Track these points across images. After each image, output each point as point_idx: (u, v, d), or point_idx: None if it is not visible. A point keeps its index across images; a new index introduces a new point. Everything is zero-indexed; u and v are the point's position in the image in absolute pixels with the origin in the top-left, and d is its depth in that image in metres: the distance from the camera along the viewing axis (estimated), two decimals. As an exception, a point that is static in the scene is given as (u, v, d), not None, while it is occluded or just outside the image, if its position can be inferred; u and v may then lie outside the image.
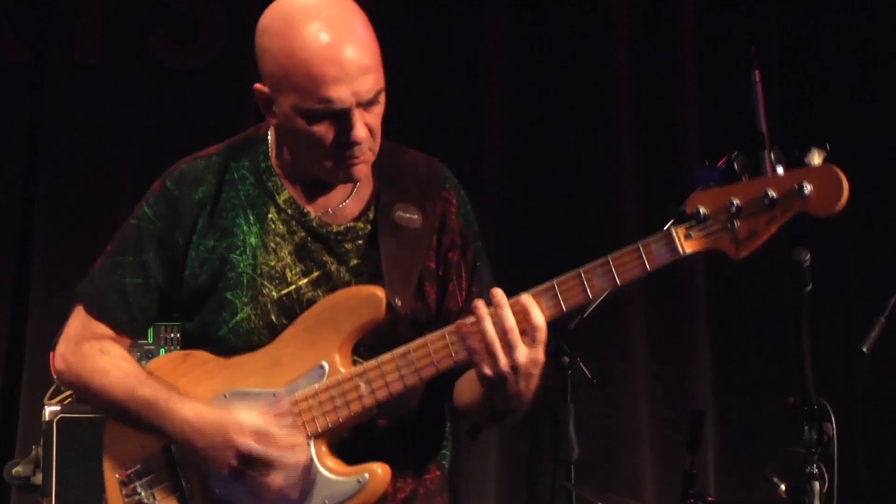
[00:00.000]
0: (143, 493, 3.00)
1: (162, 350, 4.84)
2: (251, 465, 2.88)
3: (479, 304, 2.78)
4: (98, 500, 3.09)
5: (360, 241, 2.99)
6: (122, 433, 3.04)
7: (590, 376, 4.69)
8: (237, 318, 2.98)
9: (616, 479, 5.90)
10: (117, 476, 3.03)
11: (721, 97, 5.92)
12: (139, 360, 3.08)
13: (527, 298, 2.76)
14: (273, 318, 2.97)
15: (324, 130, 2.86)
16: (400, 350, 2.86)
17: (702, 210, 2.72)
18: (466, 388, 2.96)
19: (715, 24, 6.10)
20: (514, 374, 2.76)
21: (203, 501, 2.97)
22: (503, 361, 2.75)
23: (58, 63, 5.94)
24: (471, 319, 2.80)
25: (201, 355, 3.01)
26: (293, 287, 2.98)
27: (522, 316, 2.75)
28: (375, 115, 2.88)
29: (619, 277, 2.75)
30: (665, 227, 2.75)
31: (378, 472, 2.89)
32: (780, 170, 2.68)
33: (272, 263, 2.99)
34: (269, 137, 3.05)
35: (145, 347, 4.88)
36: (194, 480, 2.98)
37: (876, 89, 6.05)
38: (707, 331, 6.07)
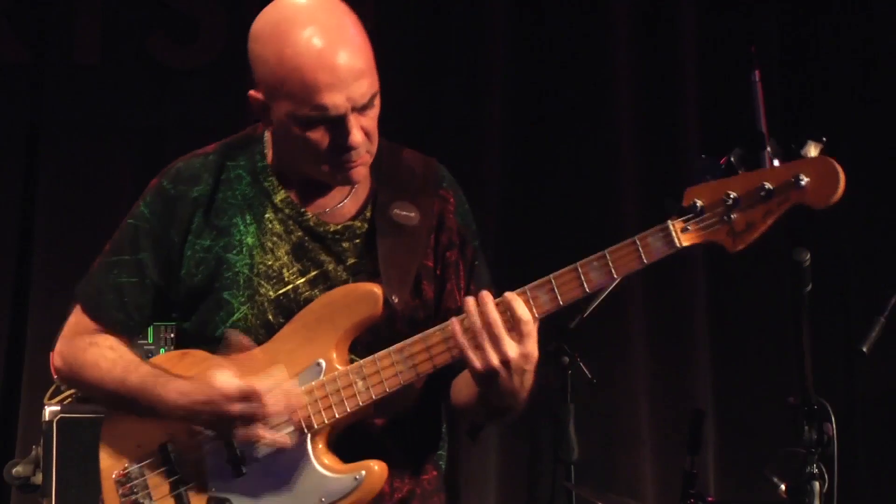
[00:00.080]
0: (139, 493, 3.00)
1: (162, 350, 4.84)
2: (249, 423, 2.87)
3: (469, 301, 2.79)
4: (98, 500, 3.09)
5: (358, 240, 2.99)
6: (119, 431, 3.05)
7: (590, 376, 4.69)
8: (234, 317, 2.98)
9: (616, 479, 5.90)
10: (113, 475, 3.03)
11: (721, 97, 5.91)
12: (139, 360, 3.08)
13: (510, 295, 2.78)
14: (270, 317, 2.97)
15: (320, 136, 2.86)
16: (397, 346, 2.87)
17: (698, 203, 2.72)
18: (463, 387, 2.96)
19: (715, 24, 6.10)
20: (505, 369, 2.76)
21: (200, 499, 2.97)
22: (491, 355, 2.75)
23: (58, 63, 5.94)
24: (461, 316, 2.81)
25: (199, 354, 3.01)
26: (290, 286, 2.98)
27: (508, 312, 2.76)
28: (371, 118, 2.89)
29: (616, 271, 2.76)
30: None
31: (375, 469, 2.89)
32: (776, 162, 2.68)
33: (269, 263, 2.99)
34: (266, 137, 3.05)
35: (145, 347, 4.88)
36: (191, 478, 2.98)
37: (876, 89, 6.05)
38: (707, 331, 6.07)
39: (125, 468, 3.02)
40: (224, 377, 2.88)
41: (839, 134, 5.83)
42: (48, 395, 4.85)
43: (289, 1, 2.89)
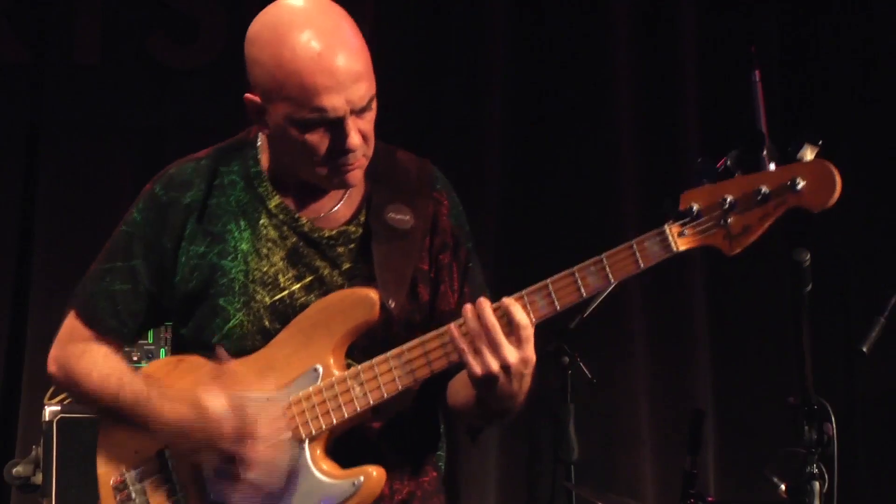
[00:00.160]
0: (137, 499, 3.00)
1: (162, 350, 4.84)
2: (232, 460, 2.87)
3: (467, 307, 2.79)
4: (98, 500, 3.09)
5: (353, 245, 2.99)
6: (116, 438, 3.04)
7: (590, 376, 4.69)
8: (230, 324, 2.97)
9: (616, 479, 5.90)
10: (111, 481, 3.03)
11: (721, 97, 5.92)
12: (139, 361, 3.09)
13: (508, 300, 2.78)
14: (266, 323, 2.97)
15: (318, 139, 2.85)
16: (394, 351, 2.86)
17: (695, 207, 2.72)
18: (460, 390, 2.96)
19: (715, 24, 6.10)
20: (504, 373, 2.76)
21: None
22: (490, 360, 2.75)
23: (58, 63, 5.94)
24: (459, 322, 2.81)
25: (195, 360, 3.00)
26: (286, 292, 2.97)
27: (505, 318, 2.76)
28: (368, 121, 2.88)
29: (614, 276, 2.76)
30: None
31: (373, 474, 2.88)
32: (772, 166, 2.69)
33: (264, 269, 2.98)
34: (260, 141, 3.04)
35: (145, 347, 4.88)
36: (189, 484, 2.97)
37: (876, 89, 6.06)
38: (707, 331, 6.07)
39: (122, 474, 3.02)
40: (213, 399, 2.88)
41: (839, 134, 5.84)
42: (48, 395, 4.85)
43: (286, 4, 2.89)
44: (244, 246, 2.98)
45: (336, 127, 2.84)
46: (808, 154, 2.66)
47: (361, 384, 2.87)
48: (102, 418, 3.08)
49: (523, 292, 2.78)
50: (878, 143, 5.98)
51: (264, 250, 2.98)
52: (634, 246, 2.75)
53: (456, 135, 6.05)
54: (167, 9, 6.00)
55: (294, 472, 2.90)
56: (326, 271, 2.97)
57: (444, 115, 6.08)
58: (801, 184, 2.64)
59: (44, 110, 5.95)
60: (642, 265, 2.75)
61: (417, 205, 3.01)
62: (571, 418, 4.62)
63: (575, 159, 6.08)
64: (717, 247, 2.72)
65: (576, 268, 2.77)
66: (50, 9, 5.95)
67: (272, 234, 2.99)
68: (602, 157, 6.09)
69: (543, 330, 2.83)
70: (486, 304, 2.77)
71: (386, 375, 2.87)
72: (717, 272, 6.01)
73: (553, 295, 2.77)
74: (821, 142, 2.66)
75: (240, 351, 2.97)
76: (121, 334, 3.05)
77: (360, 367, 2.88)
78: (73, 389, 3.07)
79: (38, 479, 4.84)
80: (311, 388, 2.90)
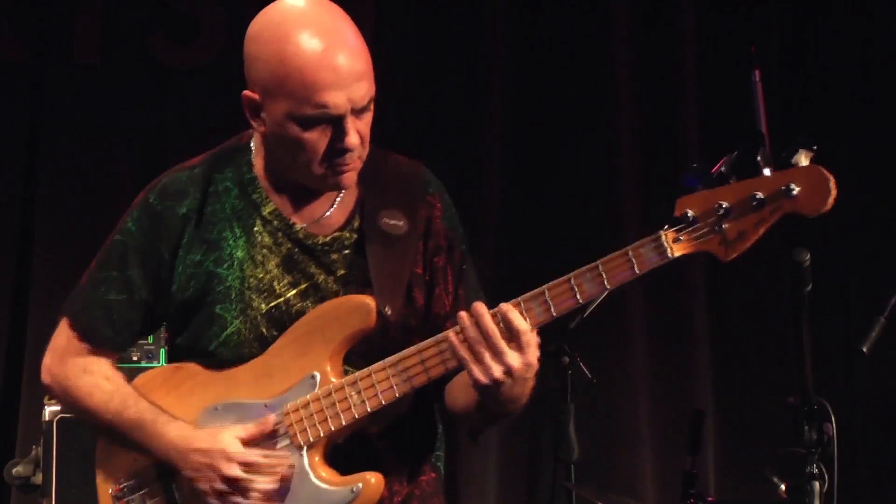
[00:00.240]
0: None
1: (162, 350, 4.83)
2: (235, 489, 2.87)
3: (463, 315, 2.78)
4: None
5: (347, 251, 2.98)
6: (115, 448, 3.03)
7: (590, 376, 4.69)
8: (227, 331, 2.97)
9: (616, 479, 5.90)
10: (111, 490, 3.02)
11: (721, 97, 5.92)
12: (139, 361, 3.09)
13: (505, 306, 2.77)
14: (263, 330, 2.96)
15: (317, 137, 2.85)
16: (391, 359, 2.86)
17: (690, 213, 2.72)
18: (459, 395, 2.95)
19: (715, 24, 6.10)
20: (509, 378, 2.76)
21: None
22: (494, 367, 2.75)
23: (58, 63, 5.94)
24: (456, 329, 2.81)
25: (192, 367, 3.00)
26: (282, 299, 2.97)
27: (503, 323, 2.75)
28: (366, 123, 2.88)
29: (609, 282, 2.75)
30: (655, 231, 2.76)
31: (371, 481, 2.88)
32: (767, 171, 2.69)
33: (260, 276, 2.98)
34: (252, 147, 3.03)
35: (145, 347, 4.88)
36: (188, 494, 2.97)
37: (876, 89, 6.06)
38: (707, 331, 6.07)
39: (122, 484, 3.02)
40: (231, 438, 2.88)
41: (839, 134, 5.84)
42: (48, 394, 4.84)
43: (289, 3, 2.89)
44: (240, 253, 2.98)
45: (336, 125, 2.84)
46: (803, 159, 2.66)
47: (359, 392, 2.87)
48: (98, 434, 3.08)
49: (519, 299, 2.78)
50: (878, 144, 5.98)
51: (259, 257, 2.98)
52: (630, 252, 2.75)
53: (456, 135, 6.05)
54: (167, 9, 6.00)
55: (293, 480, 2.89)
56: (321, 278, 2.97)
57: (444, 115, 6.08)
58: (795, 189, 2.65)
59: (44, 110, 5.95)
60: (638, 271, 2.75)
61: (410, 209, 3.00)
62: (571, 418, 4.62)
63: (575, 159, 6.08)
64: (712, 253, 2.72)
65: (571, 274, 2.77)
66: (50, 9, 5.95)
67: (267, 240, 2.98)
68: (602, 157, 6.09)
69: (543, 330, 2.83)
70: (483, 310, 2.77)
71: (383, 383, 2.86)
72: (717, 272, 6.01)
73: (549, 302, 2.76)
74: (815, 147, 2.66)
75: (237, 358, 2.96)
76: (115, 343, 3.04)
77: (357, 374, 2.88)
78: (70, 404, 3.06)
79: (38, 479, 4.83)
80: (308, 396, 2.89)
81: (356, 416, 2.87)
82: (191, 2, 6.02)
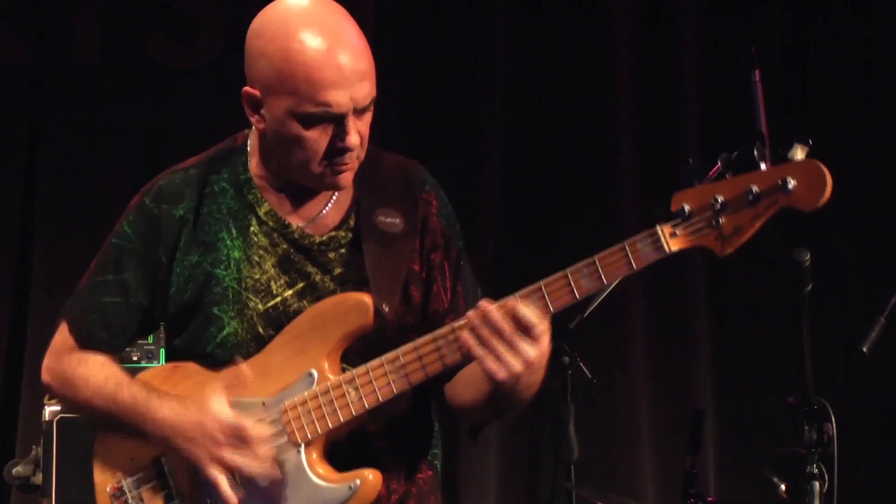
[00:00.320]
0: None
1: (162, 350, 4.84)
2: (232, 451, 2.87)
3: (471, 314, 2.77)
4: (98, 500, 3.09)
5: (343, 250, 2.99)
6: (113, 445, 3.04)
7: (590, 376, 4.69)
8: (224, 332, 2.97)
9: (616, 479, 5.90)
10: (108, 489, 3.03)
11: (721, 97, 5.92)
12: (139, 361, 3.09)
13: (513, 301, 2.76)
14: (260, 330, 2.97)
15: (317, 135, 2.85)
16: (389, 356, 2.86)
17: (686, 208, 2.72)
18: (466, 389, 2.96)
19: (715, 24, 6.10)
20: (527, 369, 2.76)
21: None
22: (512, 362, 2.74)
23: (58, 63, 5.94)
24: (459, 323, 2.81)
25: (190, 367, 3.00)
26: (279, 299, 2.97)
27: (514, 319, 2.75)
28: (366, 123, 2.89)
29: (606, 277, 2.75)
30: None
31: (369, 478, 2.88)
32: (763, 166, 2.69)
33: (257, 276, 2.98)
34: (249, 147, 3.03)
35: (145, 348, 4.88)
36: (185, 492, 2.97)
37: (876, 89, 6.06)
38: (707, 331, 6.07)
39: (119, 482, 3.02)
40: (220, 406, 2.89)
41: (839, 134, 5.84)
42: (48, 395, 4.84)
43: (293, 2, 2.89)
44: (236, 254, 2.98)
45: (337, 124, 2.84)
46: (799, 154, 2.66)
47: (356, 388, 2.87)
48: (97, 427, 3.08)
49: (516, 294, 2.78)
50: (878, 144, 5.98)
51: (255, 258, 2.98)
52: (627, 247, 2.75)
53: (456, 135, 6.05)
54: (167, 9, 6.00)
55: (291, 477, 2.90)
56: (318, 277, 2.97)
57: (444, 115, 6.08)
58: (791, 184, 2.64)
59: (44, 110, 5.95)
60: (635, 266, 2.75)
61: (406, 207, 3.00)
62: (571, 418, 4.61)
63: (575, 159, 6.08)
64: (708, 247, 2.72)
65: (568, 269, 2.77)
66: (50, 9, 5.95)
67: (263, 241, 2.99)
68: (602, 157, 6.09)
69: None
70: (490, 306, 2.76)
71: (381, 380, 2.86)
72: (717, 272, 6.01)
73: (546, 297, 2.76)
74: (811, 142, 2.66)
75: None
76: (111, 346, 3.05)
77: (354, 371, 2.88)
78: (69, 396, 3.06)
79: (38, 479, 4.83)
80: (306, 393, 2.90)
81: (354, 414, 2.88)
82: (191, 2, 6.02)
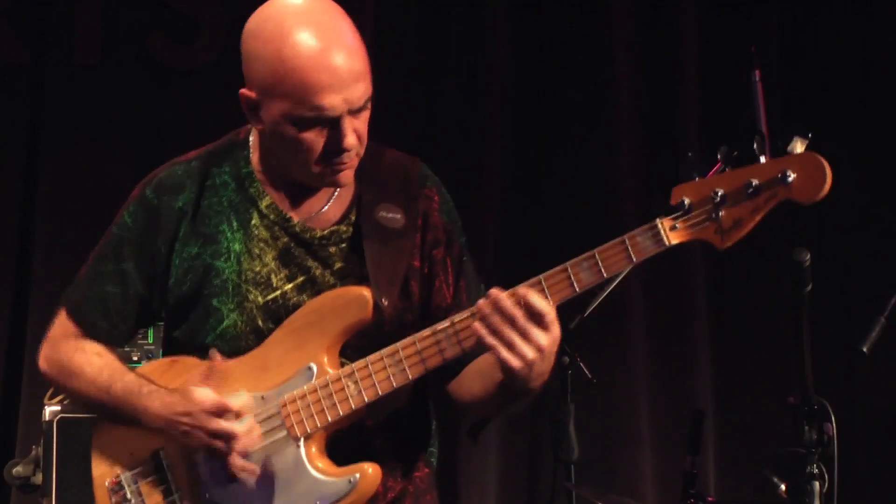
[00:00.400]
0: (133, 500, 3.00)
1: (161, 351, 4.84)
2: (222, 439, 2.88)
3: (482, 303, 2.77)
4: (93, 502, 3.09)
5: (344, 245, 2.99)
6: (111, 439, 3.05)
7: (590, 376, 4.68)
8: (224, 324, 2.98)
9: (616, 479, 5.89)
10: (106, 483, 3.03)
11: (721, 97, 5.92)
12: (139, 360, 3.09)
13: (523, 289, 2.77)
14: (259, 323, 2.97)
15: (313, 137, 2.85)
16: (388, 350, 2.87)
17: (686, 201, 2.73)
18: (472, 383, 2.96)
19: (715, 24, 6.10)
20: (540, 357, 2.75)
21: None
22: (525, 350, 2.74)
23: (58, 63, 5.94)
24: (459, 317, 2.81)
25: (188, 361, 3.01)
26: (278, 292, 2.98)
27: (525, 307, 2.75)
28: (363, 121, 2.89)
29: (606, 270, 2.76)
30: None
31: (369, 472, 2.89)
32: (762, 159, 2.69)
33: (257, 269, 2.99)
34: (250, 142, 3.04)
35: (145, 347, 4.88)
36: (184, 486, 2.98)
37: (876, 89, 6.05)
38: (707, 331, 6.07)
39: (118, 476, 3.02)
40: (202, 391, 2.90)
41: (839, 134, 5.84)
42: (48, 395, 4.84)
43: (285, 2, 2.89)
44: (237, 246, 2.99)
45: (333, 126, 2.84)
46: (799, 147, 2.66)
47: (356, 382, 2.88)
48: (93, 415, 3.09)
49: (516, 288, 2.78)
50: (878, 143, 5.98)
51: (256, 250, 2.99)
52: (626, 241, 2.75)
53: (456, 135, 6.05)
54: (167, 9, 6.00)
55: (290, 471, 2.90)
56: (318, 271, 2.98)
57: (444, 115, 6.08)
58: (791, 176, 2.64)
59: (44, 110, 5.94)
60: (635, 259, 2.75)
61: (407, 203, 3.01)
62: (571, 418, 4.61)
63: (575, 159, 6.08)
64: (708, 241, 2.72)
65: (568, 263, 2.77)
66: (50, 9, 5.95)
67: (264, 234, 2.99)
68: (602, 157, 6.09)
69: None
70: (502, 295, 2.76)
71: (380, 373, 2.87)
72: (717, 272, 6.01)
73: (546, 291, 2.77)
74: (811, 134, 2.66)
75: (234, 351, 2.98)
76: (111, 336, 3.06)
77: (354, 365, 2.89)
78: (66, 384, 3.07)
79: (38, 479, 4.83)
80: (305, 387, 2.90)
81: (353, 407, 2.88)
82: (191, 2, 6.02)
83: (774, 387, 5.59)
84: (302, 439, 2.90)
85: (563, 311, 2.81)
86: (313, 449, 2.91)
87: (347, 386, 2.88)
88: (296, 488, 2.90)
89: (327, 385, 2.89)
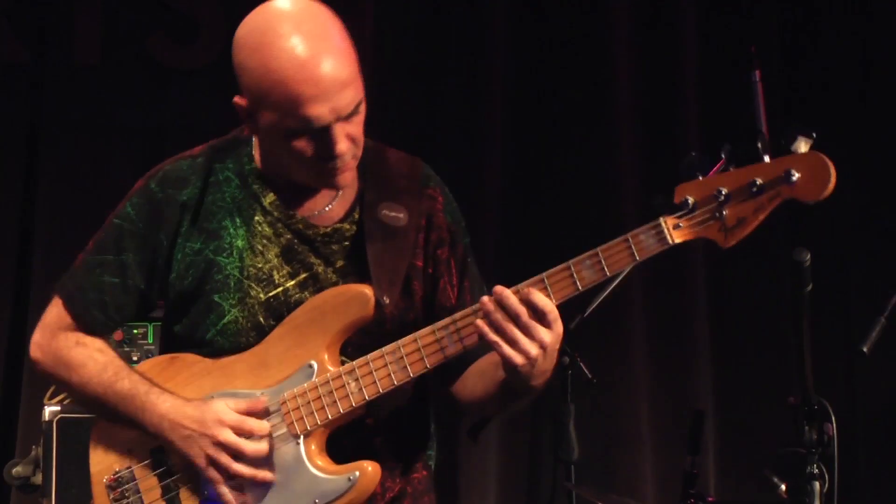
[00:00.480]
0: (131, 497, 3.00)
1: (162, 348, 4.83)
2: (226, 451, 2.87)
3: (486, 300, 2.78)
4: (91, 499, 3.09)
5: (346, 242, 3.00)
6: (110, 436, 3.05)
7: (590, 376, 4.68)
8: (225, 320, 2.98)
9: (616, 479, 5.89)
10: (105, 479, 3.03)
11: (721, 97, 5.91)
12: (139, 360, 3.09)
13: (526, 287, 2.78)
14: (261, 319, 2.98)
15: (304, 145, 2.86)
16: (389, 347, 2.87)
17: (690, 199, 2.73)
18: (479, 381, 2.97)
19: (715, 24, 6.10)
20: (542, 353, 2.76)
21: (192, 503, 2.97)
22: (528, 346, 2.75)
23: (58, 63, 5.94)
24: (460, 315, 2.81)
25: (188, 358, 3.01)
26: (280, 289, 2.98)
27: (528, 305, 2.75)
28: (357, 124, 2.88)
29: (609, 269, 2.76)
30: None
31: (368, 470, 2.89)
32: (766, 158, 2.68)
33: (259, 265, 2.99)
34: (254, 139, 3.04)
35: (145, 347, 4.88)
36: (183, 482, 2.98)
37: (876, 89, 6.05)
38: (707, 331, 6.06)
39: (116, 472, 3.02)
40: (223, 405, 2.91)
41: (839, 134, 5.84)
42: (48, 395, 4.84)
43: (272, 9, 2.88)
44: (239, 242, 2.99)
45: (323, 134, 2.84)
46: (803, 146, 2.66)
47: (356, 379, 2.88)
48: (92, 412, 3.09)
49: (518, 286, 2.78)
50: (879, 143, 5.98)
51: (259, 247, 2.99)
52: (630, 239, 2.76)
53: (456, 135, 6.04)
54: (167, 9, 6.00)
55: (289, 468, 2.91)
56: (320, 268, 2.98)
57: (445, 115, 6.08)
58: (795, 176, 2.64)
59: (44, 110, 5.95)
60: (638, 258, 2.76)
61: (410, 202, 3.01)
62: (571, 418, 4.61)
63: (575, 159, 6.08)
64: (712, 239, 2.72)
65: (571, 261, 2.78)
66: (50, 9, 5.95)
67: (267, 230, 3.00)
68: (602, 157, 6.09)
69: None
70: (506, 291, 2.77)
71: (381, 371, 2.87)
72: (717, 272, 6.00)
73: (549, 289, 2.77)
74: (814, 134, 2.66)
75: (234, 347, 2.98)
76: (106, 326, 3.06)
77: (354, 362, 2.89)
78: (60, 376, 3.06)
79: (38, 479, 4.83)
80: (305, 385, 2.91)
81: (354, 405, 2.88)
82: (191, 2, 6.02)
83: (774, 387, 5.59)
84: (302, 436, 2.91)
85: (564, 310, 2.81)
86: (313, 446, 2.91)
87: (348, 383, 2.89)
88: (295, 485, 2.90)
89: (328, 382, 2.89)
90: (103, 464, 3.04)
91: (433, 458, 3.13)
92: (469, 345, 2.83)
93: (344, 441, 2.93)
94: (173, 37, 6.01)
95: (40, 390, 4.97)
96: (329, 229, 3.00)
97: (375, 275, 2.93)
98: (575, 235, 5.82)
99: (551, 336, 2.76)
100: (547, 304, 2.74)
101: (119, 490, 3.01)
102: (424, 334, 2.85)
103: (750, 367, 5.99)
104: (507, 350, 2.75)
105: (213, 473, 2.89)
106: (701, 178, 2.71)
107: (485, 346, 2.82)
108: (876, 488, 5.86)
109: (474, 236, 3.17)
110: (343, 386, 2.89)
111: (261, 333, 2.97)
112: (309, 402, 2.90)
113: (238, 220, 3.00)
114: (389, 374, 2.87)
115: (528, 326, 2.74)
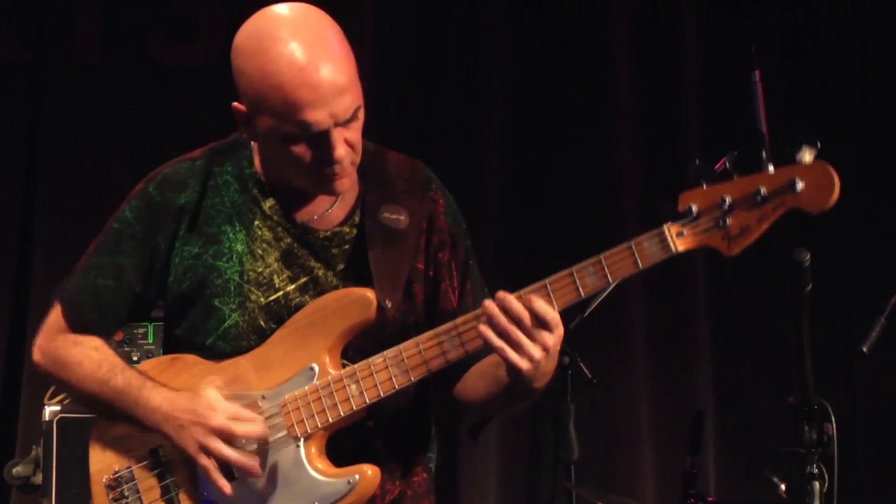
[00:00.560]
0: (130, 497, 3.01)
1: (162, 350, 4.83)
2: (220, 437, 2.88)
3: (489, 304, 2.78)
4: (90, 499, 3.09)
5: (347, 246, 2.99)
6: (109, 436, 3.05)
7: (590, 376, 4.68)
8: (225, 324, 2.98)
9: (616, 479, 5.89)
10: (104, 479, 3.03)
11: (721, 97, 5.91)
12: (139, 360, 3.09)
13: (528, 293, 2.77)
14: (262, 323, 2.98)
15: (302, 151, 2.85)
16: (390, 351, 2.87)
17: (694, 208, 2.72)
18: (480, 383, 2.96)
19: (715, 24, 6.10)
20: (545, 356, 2.76)
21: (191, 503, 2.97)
22: (532, 350, 2.75)
23: (58, 63, 5.94)
24: (462, 319, 2.81)
25: (189, 359, 3.01)
26: (281, 293, 2.98)
27: (529, 309, 2.75)
28: (355, 130, 2.88)
29: (612, 276, 2.76)
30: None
31: (368, 473, 2.89)
32: (770, 168, 2.69)
33: (259, 270, 2.99)
34: (253, 143, 3.04)
35: (145, 347, 4.88)
36: (182, 482, 2.98)
37: (876, 89, 6.05)
38: (707, 331, 6.07)
39: (116, 472, 3.02)
40: (215, 393, 2.91)
41: (839, 134, 5.84)
42: (48, 395, 4.84)
43: (270, 14, 2.88)
44: (239, 247, 2.99)
45: (320, 140, 2.83)
46: (807, 156, 2.66)
47: (357, 383, 2.88)
48: (88, 408, 3.08)
49: (521, 292, 2.78)
50: (879, 144, 5.98)
51: (259, 251, 2.99)
52: (633, 246, 2.75)
53: (456, 135, 6.04)
54: (167, 9, 6.00)
55: (289, 471, 2.91)
56: (321, 272, 2.98)
57: (445, 115, 6.08)
58: (800, 185, 2.65)
59: (44, 110, 5.95)
60: (641, 265, 2.75)
61: (411, 205, 3.01)
62: (571, 418, 4.61)
63: (575, 159, 6.08)
64: (715, 248, 2.72)
65: (574, 268, 2.77)
66: (50, 9, 5.95)
67: (266, 235, 2.99)
68: (602, 157, 6.09)
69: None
70: (509, 296, 2.77)
71: (382, 374, 2.87)
72: (717, 272, 6.00)
73: (551, 295, 2.77)
74: (819, 144, 2.66)
75: (236, 351, 2.98)
76: (100, 327, 3.07)
77: (356, 366, 2.89)
78: (60, 377, 3.07)
79: (38, 479, 4.83)
80: (306, 387, 2.90)
81: (354, 408, 2.88)
82: (191, 2, 6.02)
83: (774, 387, 5.58)
84: (302, 439, 2.90)
85: (564, 310, 2.81)
86: (313, 449, 2.91)
87: (349, 386, 2.88)
88: (294, 488, 2.90)
89: (328, 385, 2.89)
90: (103, 463, 3.04)
91: (433, 461, 3.13)
92: (471, 349, 2.83)
93: (344, 444, 2.93)
94: (173, 37, 6.01)
95: (40, 390, 4.97)
96: (329, 233, 2.99)
97: (377, 278, 2.93)
98: (575, 236, 5.82)
99: (553, 339, 2.76)
100: (549, 311, 2.75)
101: (118, 490, 3.01)
102: (426, 338, 2.85)
103: (750, 367, 5.99)
104: (512, 355, 2.75)
105: (205, 461, 2.89)
106: (705, 187, 2.71)
107: (485, 348, 2.81)
108: (876, 488, 5.86)
109: (474, 237, 3.17)
110: (344, 389, 2.89)
111: (262, 337, 2.97)
112: (309, 405, 2.90)
113: (237, 225, 3.00)
114: (390, 378, 2.87)
115: (532, 330, 2.74)
